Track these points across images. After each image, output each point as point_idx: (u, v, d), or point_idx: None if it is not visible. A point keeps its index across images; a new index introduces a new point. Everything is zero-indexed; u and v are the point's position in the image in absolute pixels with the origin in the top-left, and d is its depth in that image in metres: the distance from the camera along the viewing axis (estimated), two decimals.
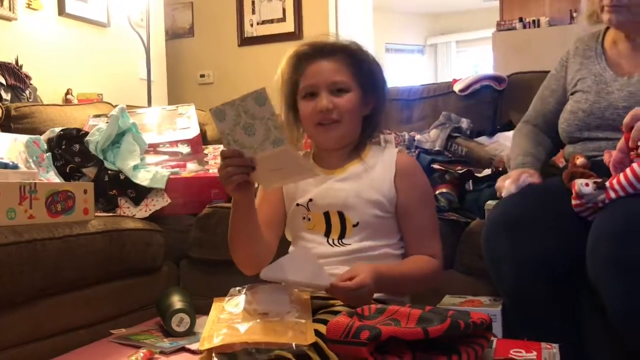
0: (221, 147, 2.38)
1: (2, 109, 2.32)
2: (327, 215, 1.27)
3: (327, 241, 1.26)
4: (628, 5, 1.38)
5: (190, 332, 1.75)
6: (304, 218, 1.29)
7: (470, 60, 7.52)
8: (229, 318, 1.04)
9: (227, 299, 1.12)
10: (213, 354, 0.97)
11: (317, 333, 1.00)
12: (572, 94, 1.52)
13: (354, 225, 1.25)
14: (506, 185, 1.38)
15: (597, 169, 1.32)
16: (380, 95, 1.31)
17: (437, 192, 1.78)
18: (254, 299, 1.07)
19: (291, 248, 1.35)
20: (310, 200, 1.28)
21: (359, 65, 1.27)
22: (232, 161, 1.08)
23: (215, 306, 1.12)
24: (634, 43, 1.46)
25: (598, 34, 1.55)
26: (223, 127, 1.08)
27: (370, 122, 1.32)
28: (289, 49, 1.30)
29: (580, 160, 1.37)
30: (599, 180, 1.21)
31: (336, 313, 1.00)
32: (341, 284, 1.08)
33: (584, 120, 1.44)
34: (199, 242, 1.99)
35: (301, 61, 1.27)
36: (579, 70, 1.52)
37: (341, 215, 1.26)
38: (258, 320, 1.01)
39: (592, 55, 1.51)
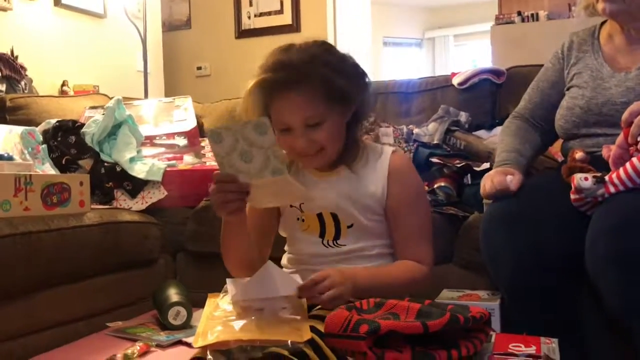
0: None
1: None
2: (320, 216, 1.24)
3: (322, 242, 1.25)
4: None
5: (187, 326, 1.75)
6: (297, 219, 1.27)
7: (468, 54, 7.50)
8: (224, 315, 1.03)
9: (221, 295, 1.11)
10: (207, 351, 0.96)
11: (314, 330, 0.99)
12: (567, 88, 1.51)
13: (349, 227, 1.23)
14: (487, 190, 1.35)
15: (596, 163, 1.32)
16: (361, 93, 1.20)
17: (435, 185, 1.77)
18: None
19: (286, 247, 1.34)
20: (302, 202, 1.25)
21: (331, 83, 1.14)
22: (227, 186, 1.06)
23: (210, 302, 1.11)
24: (629, 36, 1.45)
25: (593, 29, 1.54)
26: (219, 150, 1.05)
27: (354, 125, 1.24)
28: (249, 81, 1.17)
29: (579, 155, 1.36)
30: (598, 174, 1.20)
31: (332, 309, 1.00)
32: (307, 281, 1.06)
33: (581, 116, 1.43)
34: (195, 235, 1.99)
35: (266, 92, 1.16)
36: (575, 65, 1.51)
37: (334, 217, 1.23)
38: (252, 318, 1.01)
39: (589, 50, 1.50)
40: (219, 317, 1.03)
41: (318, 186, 1.25)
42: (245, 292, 1.04)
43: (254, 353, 0.94)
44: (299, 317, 1.02)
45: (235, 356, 0.96)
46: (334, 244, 1.24)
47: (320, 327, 0.98)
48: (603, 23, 1.54)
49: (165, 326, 1.76)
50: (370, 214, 1.23)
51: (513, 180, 1.33)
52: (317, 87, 1.13)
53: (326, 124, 1.16)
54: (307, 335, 0.96)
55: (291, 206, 1.27)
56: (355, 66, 1.21)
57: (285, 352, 0.93)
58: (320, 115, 1.15)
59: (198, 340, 0.97)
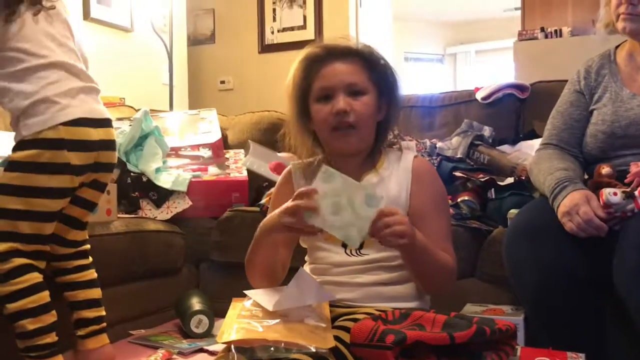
0: (242, 151, 2.41)
1: None
2: None
3: (345, 252, 1.24)
4: None
5: (209, 334, 1.76)
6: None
7: (490, 70, 7.47)
8: (250, 315, 1.04)
9: (246, 299, 1.13)
10: (232, 347, 0.97)
11: (338, 339, 1.00)
12: (590, 112, 1.49)
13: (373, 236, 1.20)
14: (574, 230, 1.24)
15: (623, 178, 1.31)
16: (394, 99, 1.25)
17: (459, 199, 1.77)
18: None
19: (307, 257, 1.34)
20: None
21: (374, 68, 1.22)
22: (302, 221, 1.06)
23: (234, 305, 1.12)
24: None
25: (608, 52, 1.52)
26: (321, 187, 1.06)
27: (384, 128, 1.27)
28: (301, 52, 1.25)
29: (605, 170, 1.36)
30: (627, 189, 1.20)
31: (357, 320, 1.00)
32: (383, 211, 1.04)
33: (606, 141, 1.41)
34: (219, 245, 2.00)
35: (314, 63, 1.22)
36: (595, 88, 1.49)
37: None
38: (278, 320, 1.01)
39: (607, 74, 1.48)
40: (245, 317, 1.04)
41: None
42: (285, 301, 1.05)
43: (276, 353, 0.94)
44: (324, 325, 1.02)
45: (257, 354, 0.96)
46: (357, 253, 1.23)
47: (344, 338, 0.98)
48: (618, 46, 1.53)
49: (187, 334, 1.77)
50: None
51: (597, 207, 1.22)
52: (361, 64, 1.21)
53: (365, 97, 1.20)
54: (331, 343, 0.96)
55: None
56: (394, 72, 1.27)
57: (309, 359, 0.93)
58: (362, 84, 1.20)
59: (223, 336, 0.98)
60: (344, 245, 1.24)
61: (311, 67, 1.22)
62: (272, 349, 0.95)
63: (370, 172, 1.25)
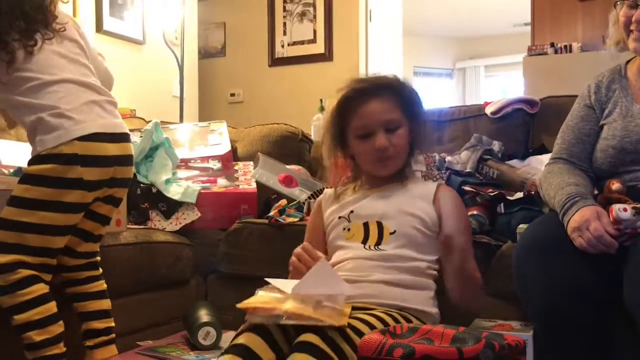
0: (251, 163, 2.42)
1: None
2: (366, 225, 1.36)
3: (364, 247, 1.33)
4: None
5: (216, 346, 1.76)
6: (344, 229, 1.38)
7: (499, 85, 7.48)
8: (272, 294, 1.13)
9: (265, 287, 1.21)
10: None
11: (352, 328, 1.06)
12: (600, 127, 1.48)
13: (391, 233, 1.33)
14: (584, 246, 1.22)
15: (633, 194, 1.30)
16: (422, 121, 1.42)
17: (468, 214, 1.76)
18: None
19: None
20: (352, 211, 1.38)
21: (404, 100, 1.38)
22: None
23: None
24: None
25: (619, 67, 1.52)
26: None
27: (413, 146, 1.43)
28: (335, 95, 1.39)
29: (616, 186, 1.35)
30: (638, 205, 1.19)
31: (372, 316, 1.07)
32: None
33: (616, 156, 1.40)
34: (228, 257, 2.01)
35: (350, 103, 1.36)
36: (605, 102, 1.49)
37: (379, 225, 1.35)
38: (297, 299, 1.08)
39: (617, 88, 1.48)
40: (267, 295, 1.14)
41: (369, 198, 1.39)
42: (304, 286, 1.11)
43: (292, 332, 1.06)
44: (339, 308, 1.08)
45: (274, 335, 1.06)
46: (375, 248, 1.32)
47: (358, 326, 1.06)
48: (629, 61, 1.52)
49: (195, 346, 1.77)
50: (418, 223, 1.34)
51: (607, 224, 1.20)
52: (394, 98, 1.36)
53: (401, 130, 1.36)
54: (345, 321, 1.03)
55: (340, 217, 1.40)
56: (419, 95, 1.43)
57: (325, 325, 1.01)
58: (398, 120, 1.36)
59: (243, 302, 1.08)
60: (364, 242, 1.35)
61: (348, 106, 1.37)
62: (284, 318, 1.03)
63: (397, 185, 1.41)
